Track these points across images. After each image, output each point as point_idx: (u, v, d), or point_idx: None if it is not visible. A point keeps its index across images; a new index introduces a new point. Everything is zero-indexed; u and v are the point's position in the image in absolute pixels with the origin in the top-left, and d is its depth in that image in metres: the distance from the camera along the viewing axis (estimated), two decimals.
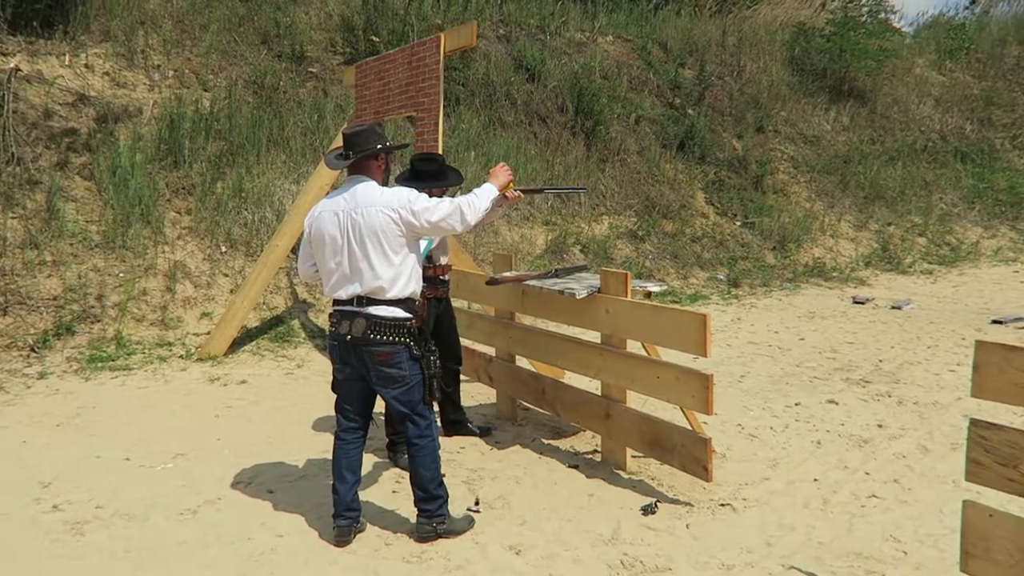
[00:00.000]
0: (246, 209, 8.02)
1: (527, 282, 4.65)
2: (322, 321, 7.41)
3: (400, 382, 3.35)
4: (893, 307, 9.16)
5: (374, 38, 10.00)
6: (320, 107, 9.29)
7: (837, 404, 5.50)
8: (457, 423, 4.83)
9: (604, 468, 4.28)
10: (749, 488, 4.00)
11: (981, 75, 17.29)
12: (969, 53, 17.54)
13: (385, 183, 3.52)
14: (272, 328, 7.17)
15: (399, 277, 3.30)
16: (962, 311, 8.92)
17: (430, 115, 5.45)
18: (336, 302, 3.40)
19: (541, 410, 5.04)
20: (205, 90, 8.90)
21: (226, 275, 7.47)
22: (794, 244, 11.22)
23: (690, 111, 12.19)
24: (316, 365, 6.49)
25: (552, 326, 5.87)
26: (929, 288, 10.51)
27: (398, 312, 3.32)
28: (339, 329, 3.35)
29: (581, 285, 4.36)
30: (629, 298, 4.09)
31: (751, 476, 4.17)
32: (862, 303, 9.43)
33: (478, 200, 3.46)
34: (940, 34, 17.90)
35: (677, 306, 5.17)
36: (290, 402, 5.58)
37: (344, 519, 3.43)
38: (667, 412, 4.64)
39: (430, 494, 3.43)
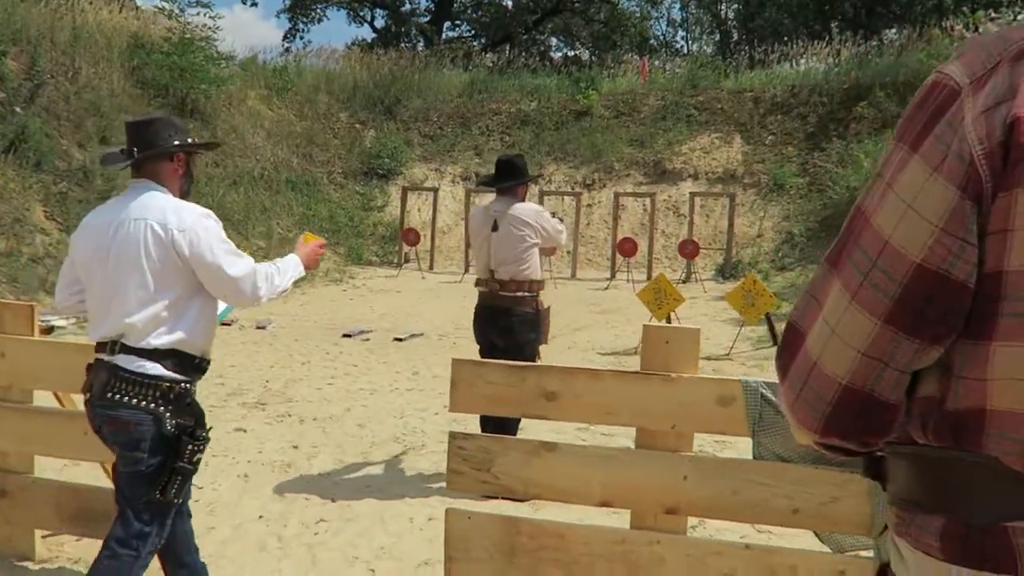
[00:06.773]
0: None
1: None
2: None
3: None
4: (258, 327, 9.47)
5: None
6: None
7: (246, 431, 5.38)
8: None
9: (2, 565, 3.25)
10: (199, 542, 3.57)
11: (302, 115, 19.36)
12: (291, 94, 19.45)
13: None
14: None
15: None
16: (316, 327, 9.78)
17: None
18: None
19: None
20: None
21: None
22: None
23: (19, 109, 10.36)
24: None
25: None
26: (282, 307, 11.19)
27: None
28: None
29: None
30: (37, 336, 3.22)
31: (195, 527, 3.72)
32: (229, 324, 9.47)
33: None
34: (268, 73, 19.40)
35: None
36: None
37: None
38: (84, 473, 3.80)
39: None
